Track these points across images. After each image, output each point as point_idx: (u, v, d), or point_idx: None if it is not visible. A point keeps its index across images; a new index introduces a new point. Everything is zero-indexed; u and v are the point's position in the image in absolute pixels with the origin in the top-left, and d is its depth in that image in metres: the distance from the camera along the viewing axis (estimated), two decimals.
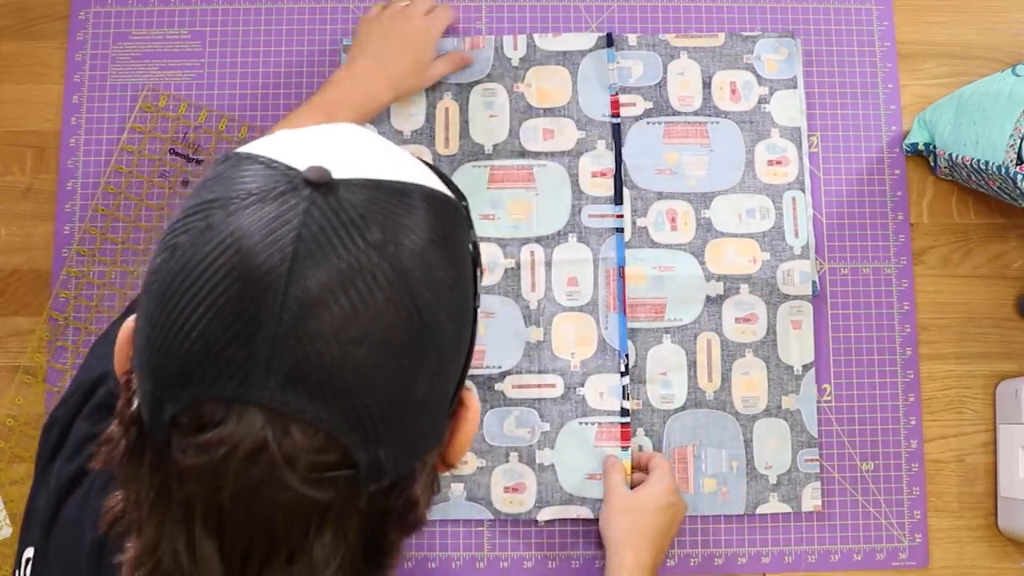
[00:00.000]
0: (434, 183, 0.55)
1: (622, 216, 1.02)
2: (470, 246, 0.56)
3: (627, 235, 1.02)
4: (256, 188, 0.49)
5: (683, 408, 1.01)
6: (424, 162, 0.58)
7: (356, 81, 0.96)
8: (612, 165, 1.03)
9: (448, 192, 0.56)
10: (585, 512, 0.98)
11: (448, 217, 0.54)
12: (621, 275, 1.01)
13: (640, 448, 1.00)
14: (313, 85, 1.05)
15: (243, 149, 0.53)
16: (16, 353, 1.01)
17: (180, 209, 0.51)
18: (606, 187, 1.03)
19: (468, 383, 0.57)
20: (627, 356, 1.01)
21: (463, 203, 0.58)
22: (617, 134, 1.04)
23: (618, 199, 1.03)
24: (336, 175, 0.49)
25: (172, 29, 1.06)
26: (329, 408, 0.46)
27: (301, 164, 0.50)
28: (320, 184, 0.48)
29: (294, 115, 0.94)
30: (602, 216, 1.03)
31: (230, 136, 1.04)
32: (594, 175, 1.03)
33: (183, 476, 0.47)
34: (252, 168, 0.50)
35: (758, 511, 1.00)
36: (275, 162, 0.50)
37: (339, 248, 0.47)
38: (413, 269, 0.49)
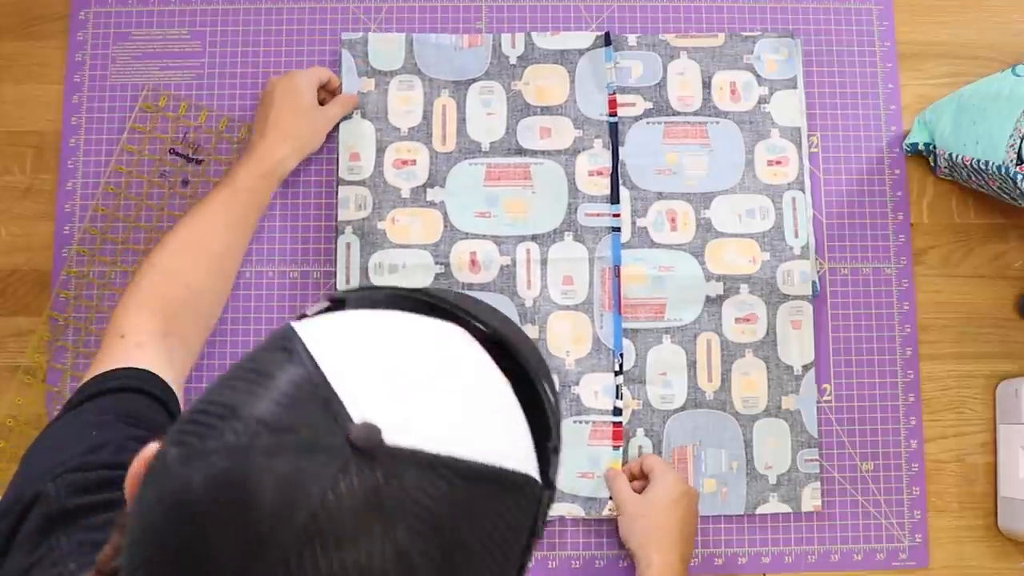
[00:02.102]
0: (520, 456, 0.46)
1: (618, 215, 1.02)
2: (530, 538, 0.47)
3: (627, 235, 1.02)
4: (287, 420, 0.42)
5: (683, 408, 1.01)
6: (531, 399, 0.49)
7: (257, 154, 0.95)
8: (609, 164, 1.03)
9: (533, 471, 0.47)
10: (577, 511, 0.98)
11: (518, 511, 0.45)
12: (617, 274, 1.01)
13: (640, 448, 1.00)
14: None
15: (302, 331, 0.46)
16: (16, 353, 1.01)
17: (206, 390, 0.45)
18: (603, 186, 1.03)
19: None
20: (621, 356, 1.00)
21: (551, 478, 0.49)
22: (614, 133, 1.04)
23: (614, 198, 1.03)
24: (390, 438, 0.41)
25: (172, 29, 1.06)
26: None
27: (354, 398, 0.42)
28: (364, 451, 0.40)
29: (210, 197, 0.93)
30: (598, 215, 1.03)
31: (230, 136, 1.04)
32: (591, 174, 1.03)
33: None
34: (294, 377, 0.43)
35: (758, 511, 1.00)
36: (326, 385, 0.43)
37: (355, 539, 0.39)
38: None
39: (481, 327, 0.50)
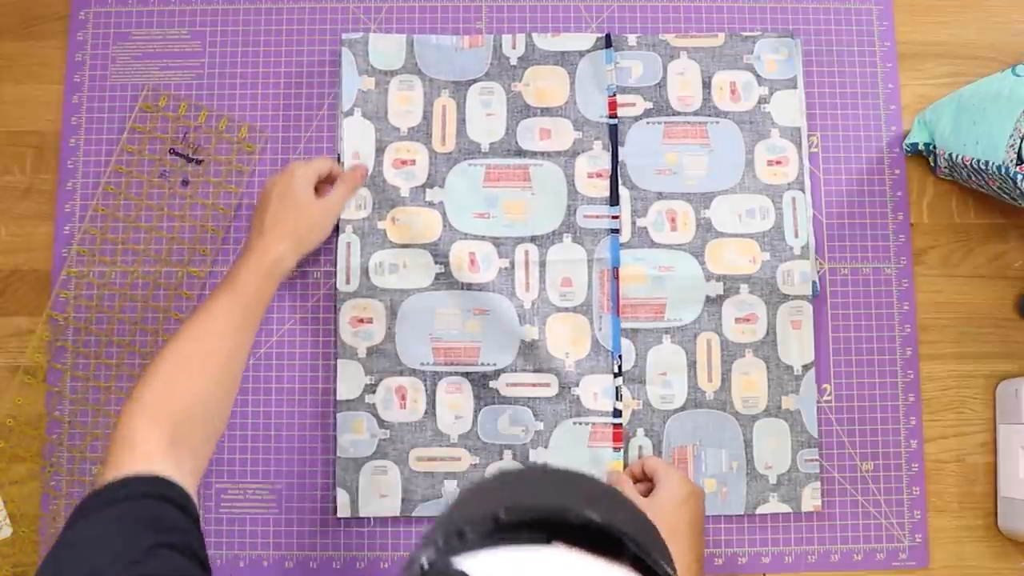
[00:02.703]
0: None
1: (617, 217, 1.02)
2: None
3: (627, 235, 1.02)
4: None
5: (683, 408, 1.01)
6: None
7: (256, 253, 0.93)
8: (608, 166, 1.03)
9: None
10: None
11: None
12: (615, 276, 1.01)
13: (640, 449, 1.00)
14: (313, 85, 1.05)
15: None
16: (16, 353, 1.01)
17: None
18: (602, 188, 1.03)
19: None
20: (620, 357, 1.00)
21: None
22: (614, 135, 1.04)
23: (614, 200, 1.03)
24: None
25: (172, 29, 1.06)
26: None
27: None
28: None
29: (212, 301, 0.89)
30: (597, 217, 1.03)
31: (230, 136, 1.04)
32: (590, 176, 1.03)
33: None
34: None
35: (758, 511, 1.00)
36: None
37: None
38: None
39: (635, 550, 0.50)
